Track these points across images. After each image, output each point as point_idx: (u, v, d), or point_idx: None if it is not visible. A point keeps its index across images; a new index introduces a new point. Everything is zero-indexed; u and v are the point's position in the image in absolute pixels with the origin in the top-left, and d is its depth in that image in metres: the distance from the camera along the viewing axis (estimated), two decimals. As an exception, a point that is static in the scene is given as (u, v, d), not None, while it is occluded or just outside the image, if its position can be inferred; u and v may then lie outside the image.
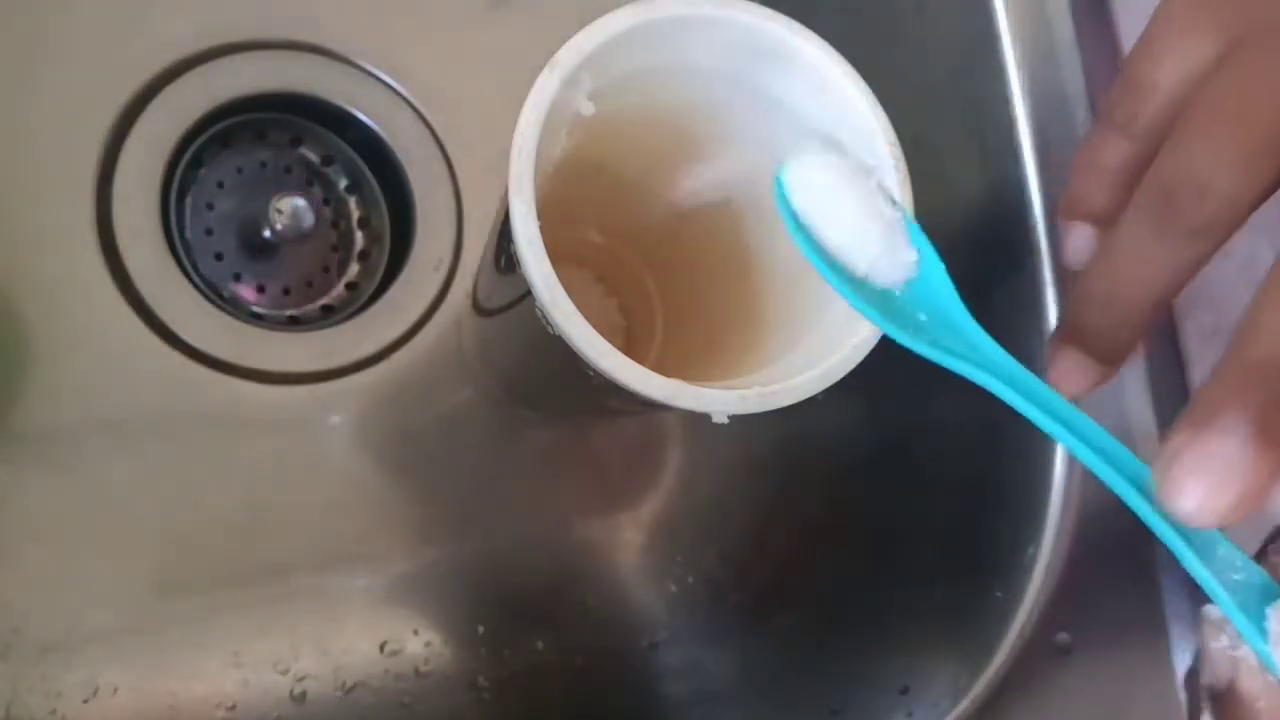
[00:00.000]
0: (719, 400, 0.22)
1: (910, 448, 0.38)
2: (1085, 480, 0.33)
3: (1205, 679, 0.28)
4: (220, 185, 0.37)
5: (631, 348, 0.34)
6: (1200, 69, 0.23)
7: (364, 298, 0.38)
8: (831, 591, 0.38)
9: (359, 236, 0.39)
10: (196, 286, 0.35)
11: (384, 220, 0.39)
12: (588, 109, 0.23)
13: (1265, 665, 0.18)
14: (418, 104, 0.38)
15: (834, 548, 0.39)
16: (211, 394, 0.34)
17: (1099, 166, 0.26)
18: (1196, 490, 0.17)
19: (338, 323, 0.36)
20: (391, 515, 0.36)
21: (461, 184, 0.38)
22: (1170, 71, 0.24)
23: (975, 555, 0.35)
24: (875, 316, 0.22)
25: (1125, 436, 0.32)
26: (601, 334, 0.22)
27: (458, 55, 0.39)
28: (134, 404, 0.33)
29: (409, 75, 0.38)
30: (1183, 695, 0.32)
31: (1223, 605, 0.19)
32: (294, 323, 0.37)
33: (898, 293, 0.24)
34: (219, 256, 0.37)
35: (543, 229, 0.22)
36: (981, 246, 0.35)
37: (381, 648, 0.35)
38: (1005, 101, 0.34)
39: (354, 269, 0.38)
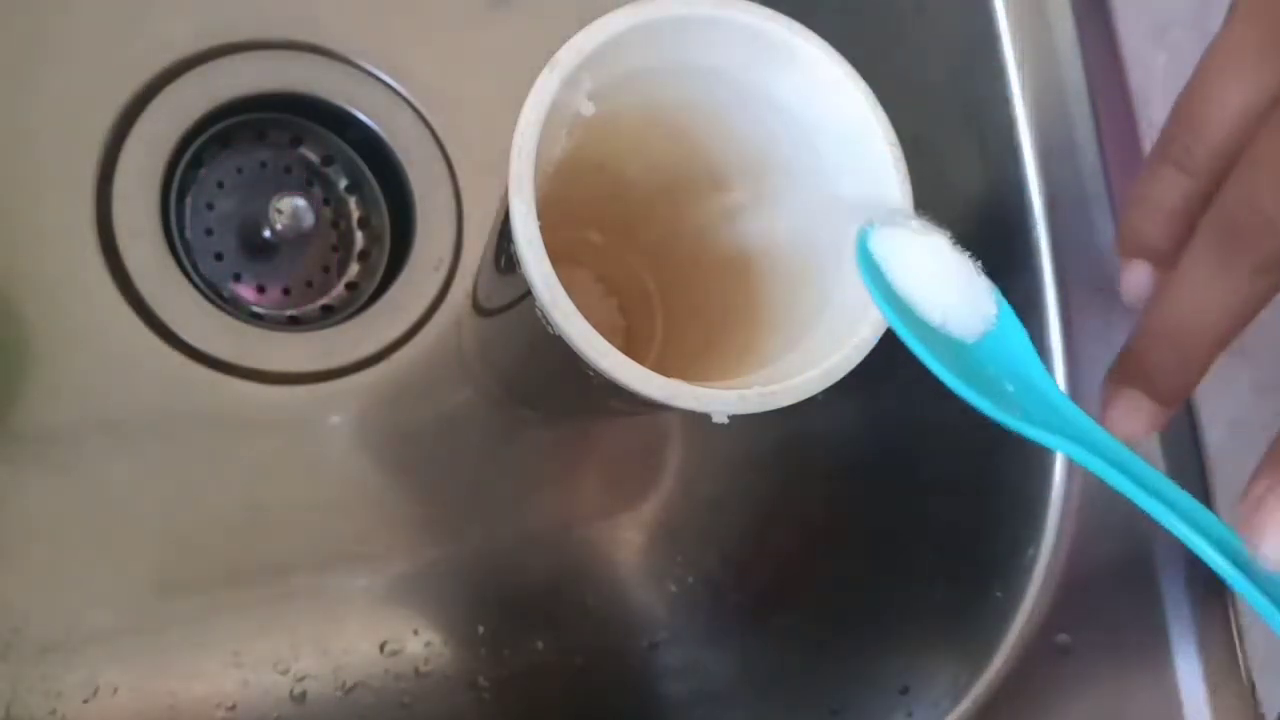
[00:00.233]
0: (719, 400, 0.22)
1: (910, 447, 0.38)
2: (1085, 480, 0.33)
3: None
4: (220, 185, 0.37)
5: (631, 348, 0.34)
6: (1262, 103, 0.23)
7: (364, 298, 0.38)
8: (831, 591, 0.38)
9: (359, 236, 0.39)
10: (196, 286, 0.35)
11: (384, 220, 0.39)
12: (588, 109, 0.23)
13: None
14: (418, 104, 0.38)
15: (834, 548, 0.39)
16: (211, 394, 0.34)
17: (1155, 202, 0.25)
18: None
19: (338, 323, 0.36)
20: (391, 515, 0.36)
21: (461, 184, 0.38)
22: (1230, 105, 0.23)
23: (975, 555, 0.35)
24: (955, 381, 0.22)
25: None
26: (601, 334, 0.22)
27: (458, 55, 0.39)
28: (134, 404, 0.33)
29: (409, 75, 0.38)
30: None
31: None
32: (294, 323, 0.37)
33: (971, 344, 0.23)
34: (219, 256, 0.37)
35: (543, 229, 0.22)
36: (981, 246, 0.35)
37: (381, 648, 0.35)
38: (1005, 101, 0.34)
39: (354, 269, 0.38)
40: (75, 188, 0.33)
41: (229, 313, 0.35)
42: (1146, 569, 0.33)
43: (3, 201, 0.33)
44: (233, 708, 0.33)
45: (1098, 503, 0.33)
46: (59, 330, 0.33)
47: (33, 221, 0.33)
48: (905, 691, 0.33)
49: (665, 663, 0.38)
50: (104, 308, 0.33)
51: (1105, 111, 0.34)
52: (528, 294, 0.22)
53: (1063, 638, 0.33)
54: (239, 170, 0.37)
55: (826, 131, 0.25)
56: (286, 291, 0.37)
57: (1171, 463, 0.33)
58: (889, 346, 0.23)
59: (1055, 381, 0.23)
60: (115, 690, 0.32)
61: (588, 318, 0.22)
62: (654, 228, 0.32)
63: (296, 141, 0.38)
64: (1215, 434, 0.34)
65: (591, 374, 0.22)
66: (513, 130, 0.22)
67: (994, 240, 0.35)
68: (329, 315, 0.37)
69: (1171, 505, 0.19)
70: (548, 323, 0.22)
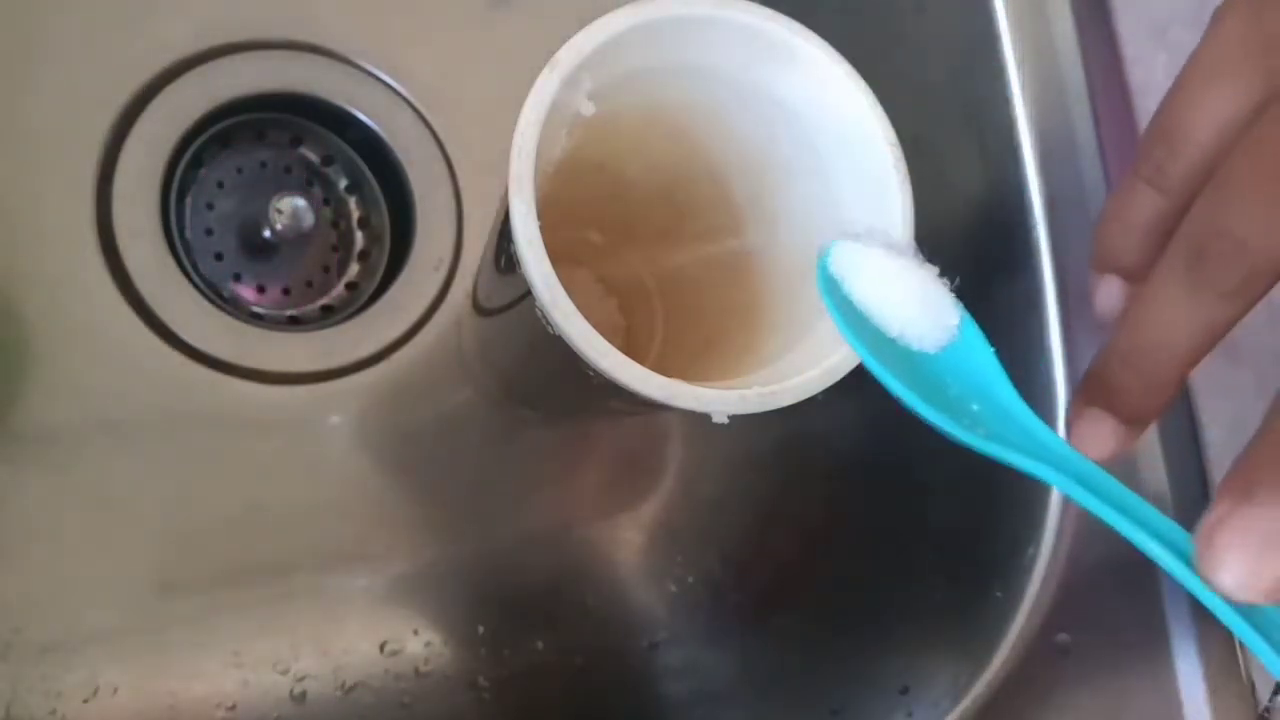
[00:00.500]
0: (719, 400, 0.22)
1: (910, 447, 0.38)
2: (1085, 480, 0.33)
3: None
4: (220, 185, 0.37)
5: (631, 348, 0.34)
6: (1238, 120, 0.22)
7: (364, 298, 0.38)
8: (831, 591, 0.38)
9: (359, 236, 0.39)
10: (196, 286, 0.35)
11: (384, 220, 0.39)
12: (588, 109, 0.23)
13: None
14: (418, 104, 0.38)
15: (834, 548, 0.39)
16: (211, 394, 0.34)
17: (1127, 220, 0.25)
18: (1238, 565, 0.17)
19: (338, 323, 0.36)
20: (391, 515, 0.36)
21: (461, 184, 0.38)
22: (1205, 122, 0.23)
23: (975, 555, 0.35)
24: (915, 400, 0.22)
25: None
26: (601, 334, 0.22)
27: (458, 55, 0.39)
28: (134, 404, 0.33)
29: (409, 75, 0.38)
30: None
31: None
32: (294, 323, 0.37)
33: (935, 359, 0.23)
34: (219, 256, 0.37)
35: (543, 229, 0.22)
36: (981, 246, 0.35)
37: (381, 648, 0.35)
38: (1005, 101, 0.34)
39: (354, 269, 0.38)
40: (75, 188, 0.33)
41: (229, 313, 0.35)
42: (1146, 569, 0.33)
43: (3, 201, 0.33)
44: (233, 708, 0.33)
45: (1098, 503, 0.33)
46: (59, 330, 0.33)
47: (33, 221, 0.33)
48: (905, 691, 0.33)
49: (665, 663, 0.38)
50: (104, 308, 0.33)
51: (1105, 111, 0.34)
52: (528, 294, 0.22)
53: (1063, 638, 0.33)
54: (239, 170, 0.37)
55: (826, 131, 0.25)
56: (286, 291, 0.37)
57: (1171, 463, 0.33)
58: (889, 346, 0.23)
59: (1021, 398, 0.23)
60: (115, 690, 0.32)
61: (588, 318, 0.22)
62: (654, 228, 0.32)
63: (296, 141, 0.38)
64: (1215, 434, 0.34)
65: (591, 374, 0.22)
66: (513, 130, 0.22)
67: (994, 240, 0.35)
68: (329, 315, 0.37)
69: (1143, 524, 0.19)
70: (548, 323, 0.22)
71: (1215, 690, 0.32)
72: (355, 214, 0.39)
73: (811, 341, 0.24)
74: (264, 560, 0.34)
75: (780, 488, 0.40)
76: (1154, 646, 0.33)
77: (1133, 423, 0.23)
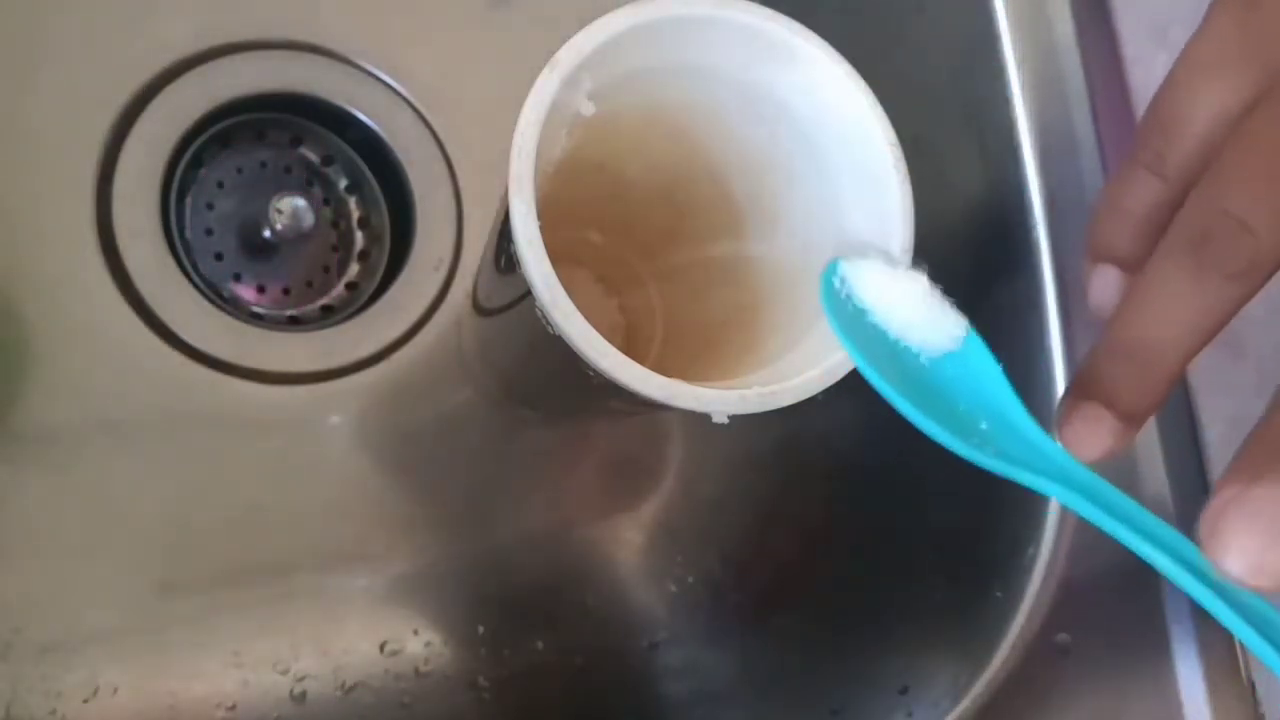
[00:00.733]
0: (719, 400, 0.22)
1: (910, 447, 0.37)
2: (1085, 480, 0.33)
3: None
4: (220, 185, 0.37)
5: (631, 348, 0.34)
6: (1236, 106, 0.22)
7: (364, 298, 0.38)
8: (831, 591, 0.38)
9: (359, 236, 0.39)
10: (196, 286, 0.35)
11: (384, 220, 0.39)
12: (588, 109, 0.23)
13: None
14: (418, 104, 0.38)
15: (834, 548, 0.39)
16: (211, 394, 0.34)
17: (1124, 208, 0.24)
18: (1246, 549, 0.16)
19: (338, 323, 0.36)
20: (391, 515, 0.36)
21: (461, 184, 0.38)
22: (1203, 108, 0.23)
23: (975, 555, 0.35)
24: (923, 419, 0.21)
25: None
26: (601, 334, 0.22)
27: (458, 55, 0.39)
28: (134, 404, 0.33)
29: (409, 75, 0.38)
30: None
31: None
32: (294, 323, 0.37)
33: (939, 373, 0.23)
34: (219, 256, 0.37)
35: (543, 229, 0.22)
36: (981, 246, 0.35)
37: (381, 648, 0.35)
38: (1005, 101, 0.34)
39: (354, 269, 0.38)
40: (75, 188, 0.33)
41: (229, 313, 0.35)
42: (1146, 569, 0.33)
43: (3, 201, 0.33)
44: (233, 708, 0.33)
45: (1098, 503, 0.33)
46: (59, 330, 0.33)
47: (33, 221, 0.33)
48: (905, 691, 0.33)
49: (665, 663, 0.38)
50: (104, 308, 0.33)
51: (1105, 111, 0.34)
52: (528, 294, 0.22)
53: (1063, 638, 0.33)
54: (239, 170, 0.37)
55: (826, 131, 0.25)
56: (286, 291, 0.37)
57: (1171, 462, 0.33)
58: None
59: (1029, 414, 0.22)
60: (115, 690, 0.32)
61: (588, 318, 0.22)
62: (654, 228, 0.32)
63: (296, 141, 0.38)
64: (1215, 433, 0.34)
65: (591, 374, 0.22)
66: (513, 130, 0.22)
67: (994, 240, 0.35)
68: (329, 315, 0.37)
69: (1155, 540, 0.19)
70: (548, 323, 0.22)
71: (1215, 690, 0.32)
72: (355, 214, 0.39)
73: (811, 342, 0.24)
74: (264, 560, 0.34)
75: (780, 488, 0.40)
76: (1154, 646, 0.33)
77: (1130, 419, 0.22)
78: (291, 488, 0.35)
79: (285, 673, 0.34)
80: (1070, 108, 0.34)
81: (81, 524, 0.32)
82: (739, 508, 0.40)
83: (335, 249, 0.38)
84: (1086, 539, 0.33)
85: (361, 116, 0.37)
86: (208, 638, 0.33)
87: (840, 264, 0.24)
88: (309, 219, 0.35)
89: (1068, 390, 0.23)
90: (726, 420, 0.22)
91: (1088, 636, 0.33)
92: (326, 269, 0.38)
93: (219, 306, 0.35)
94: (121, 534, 0.33)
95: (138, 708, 0.32)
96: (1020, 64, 0.34)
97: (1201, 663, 0.32)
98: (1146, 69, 0.35)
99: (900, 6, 0.37)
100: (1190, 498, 0.33)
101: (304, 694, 0.34)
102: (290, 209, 0.35)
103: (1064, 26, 0.35)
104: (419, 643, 0.35)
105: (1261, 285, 0.21)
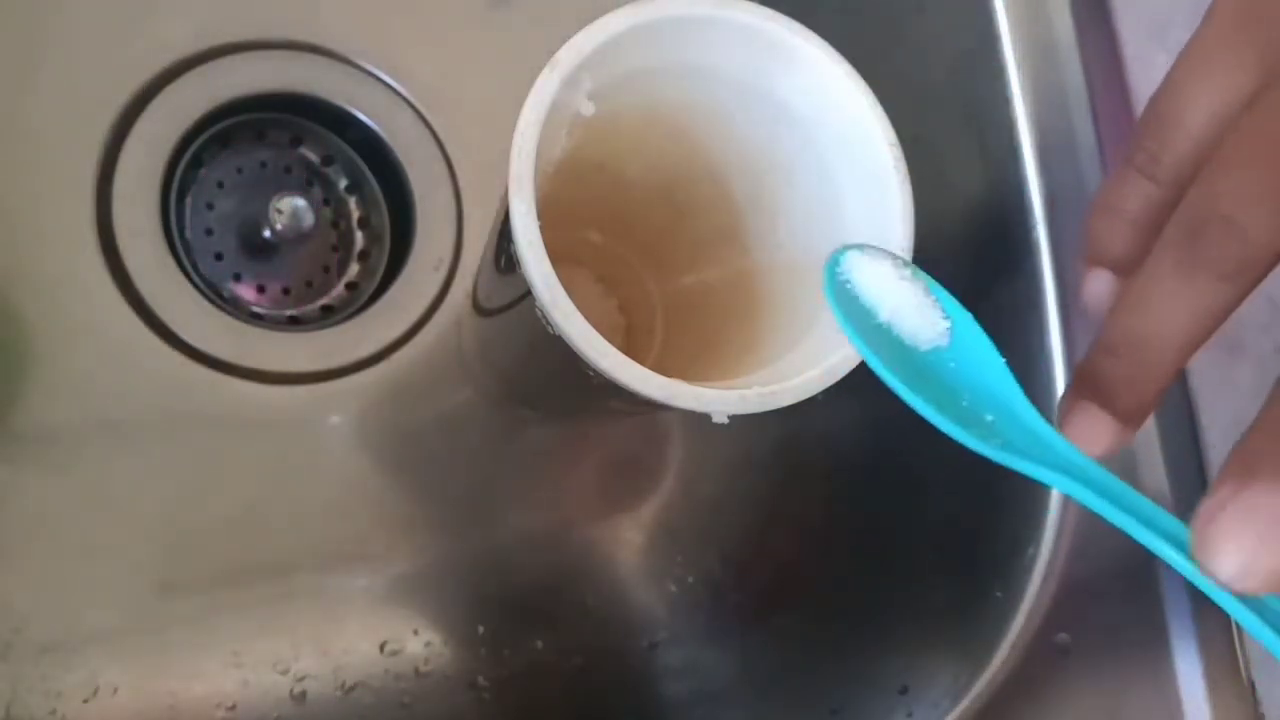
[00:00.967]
0: (719, 400, 0.22)
1: (910, 447, 0.38)
2: (1085, 480, 0.33)
3: None
4: (220, 185, 0.37)
5: (631, 348, 0.34)
6: (1231, 107, 0.22)
7: (364, 298, 0.38)
8: (831, 591, 0.38)
9: (359, 236, 0.39)
10: (196, 286, 0.35)
11: (384, 220, 0.39)
12: (588, 109, 0.23)
13: None
14: (418, 104, 0.38)
15: (834, 548, 0.39)
16: (211, 394, 0.34)
17: (1119, 209, 0.24)
18: (1240, 551, 0.16)
19: (338, 323, 0.36)
20: (391, 515, 0.36)
21: (461, 184, 0.38)
22: (1198, 111, 0.23)
23: (975, 555, 0.35)
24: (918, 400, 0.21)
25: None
26: (601, 334, 0.22)
27: (458, 55, 0.39)
28: (134, 404, 0.33)
29: (409, 75, 0.38)
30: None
31: None
32: (294, 323, 0.37)
33: (943, 366, 0.23)
34: (219, 256, 0.37)
35: (543, 229, 0.22)
36: (981, 246, 0.35)
37: (381, 648, 0.35)
38: (1005, 101, 0.34)
39: (354, 269, 0.38)
40: (75, 188, 0.33)
41: (229, 313, 0.35)
42: (1146, 569, 0.33)
43: (3, 201, 0.33)
44: (233, 708, 0.33)
45: (1098, 503, 0.33)
46: (59, 330, 0.33)
47: (33, 221, 0.33)
48: (905, 691, 0.33)
49: (665, 663, 0.38)
50: (104, 308, 0.33)
51: (1105, 111, 0.34)
52: (528, 294, 0.22)
53: (1063, 638, 0.33)
54: (239, 170, 0.37)
55: (826, 131, 0.25)
56: (286, 291, 0.37)
57: (1171, 462, 0.33)
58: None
59: (1033, 406, 0.22)
60: (115, 690, 0.32)
61: (588, 318, 0.22)
62: (654, 228, 0.32)
63: (296, 141, 0.38)
64: (1215, 434, 0.34)
65: (591, 374, 0.22)
66: (513, 130, 0.22)
67: (994, 240, 0.35)
68: (329, 315, 0.37)
69: (1157, 529, 0.19)
70: (548, 323, 0.22)
71: (1215, 690, 0.32)
72: (355, 214, 0.39)
73: (811, 341, 0.24)
74: (264, 560, 0.34)
75: (780, 488, 0.40)
76: (1154, 646, 0.33)
77: (1128, 418, 0.22)
78: (291, 488, 0.35)
79: (285, 673, 0.34)
80: (1070, 108, 0.34)
81: (81, 524, 0.32)
82: (739, 508, 0.40)
83: (335, 249, 0.38)
84: (1086, 539, 0.33)
85: (361, 116, 0.37)
86: (208, 638, 0.33)
87: (844, 255, 0.24)
88: (309, 219, 0.35)
89: (1066, 390, 0.23)
90: (726, 420, 0.22)
91: (1088, 636, 0.33)
92: (326, 269, 0.38)
93: (219, 306, 0.35)
94: (121, 534, 0.33)
95: (138, 708, 0.32)
96: (1020, 64, 0.34)
97: (1201, 662, 0.32)
98: (1146, 69, 0.35)
99: (900, 6, 0.37)
100: (1190, 497, 0.33)
101: (304, 694, 0.34)
102: (290, 209, 0.35)
103: (1064, 26, 0.35)
104: (419, 643, 0.35)
105: (1256, 284, 0.21)
